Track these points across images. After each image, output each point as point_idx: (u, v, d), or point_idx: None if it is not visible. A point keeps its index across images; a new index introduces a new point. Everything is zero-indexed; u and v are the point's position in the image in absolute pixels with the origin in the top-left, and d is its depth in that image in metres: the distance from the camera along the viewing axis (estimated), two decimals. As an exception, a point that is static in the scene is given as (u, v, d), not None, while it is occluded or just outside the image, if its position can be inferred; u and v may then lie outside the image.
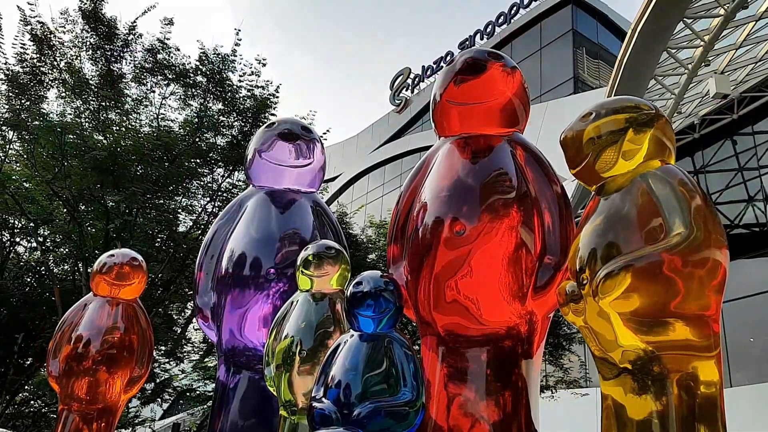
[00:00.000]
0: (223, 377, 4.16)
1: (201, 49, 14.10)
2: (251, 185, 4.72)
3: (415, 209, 3.82)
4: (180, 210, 14.98)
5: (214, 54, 13.93)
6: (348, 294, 3.14)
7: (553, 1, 30.22)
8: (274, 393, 3.52)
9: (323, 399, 2.99)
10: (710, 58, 17.59)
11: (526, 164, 3.78)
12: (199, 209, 15.18)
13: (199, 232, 15.06)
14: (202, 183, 15.13)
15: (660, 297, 2.79)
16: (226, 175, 15.09)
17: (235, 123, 14.75)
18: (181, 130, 14.11)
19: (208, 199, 14.99)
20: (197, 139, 13.99)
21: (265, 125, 4.68)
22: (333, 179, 39.99)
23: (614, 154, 3.21)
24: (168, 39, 14.16)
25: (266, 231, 4.31)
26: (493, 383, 3.46)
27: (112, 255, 4.66)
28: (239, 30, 14.36)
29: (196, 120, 14.04)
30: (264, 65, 14.58)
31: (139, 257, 4.70)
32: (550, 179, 3.76)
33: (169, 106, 14.55)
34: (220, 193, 14.85)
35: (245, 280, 4.12)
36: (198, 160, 14.51)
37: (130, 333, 4.45)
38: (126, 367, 4.43)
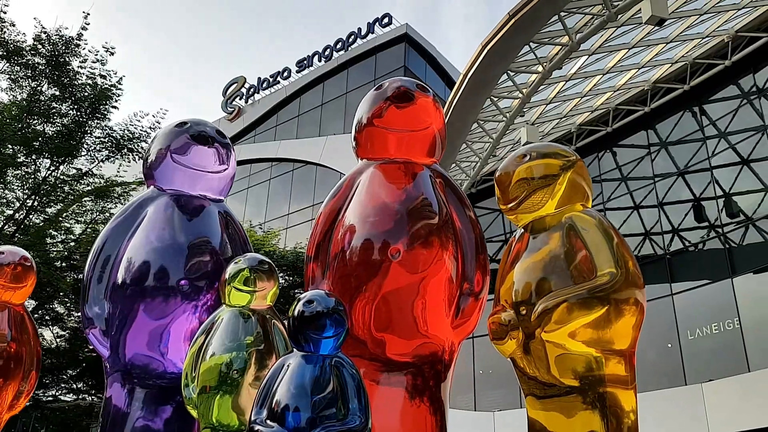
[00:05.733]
0: (118, 396, 3.69)
1: (39, 27, 12.64)
2: (152, 187, 4.34)
3: (341, 231, 3.79)
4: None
5: (56, 35, 12.52)
6: (296, 313, 3.00)
7: (387, 37, 31.39)
8: (195, 415, 3.25)
9: (268, 422, 2.83)
10: (525, 110, 19.69)
11: (445, 192, 3.96)
12: (17, 203, 13.44)
13: (14, 228, 13.34)
14: (20, 174, 13.45)
15: (591, 332, 3.07)
16: (53, 168, 13.57)
17: (70, 111, 13.38)
18: (6, 113, 12.46)
19: (30, 192, 13.34)
20: (24, 125, 12.45)
21: (175, 124, 4.34)
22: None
23: (545, 195, 3.48)
24: (5, 12, 12.47)
25: (173, 239, 3.98)
26: (417, 406, 3.54)
27: (1, 252, 4.00)
28: (88, 13, 13.07)
29: (26, 103, 12.50)
30: (112, 54, 13.42)
31: (29, 255, 4.06)
32: (465, 207, 3.97)
33: (-5, 85, 12.82)
34: (44, 187, 13.30)
35: (155, 292, 3.75)
36: (20, 147, 12.90)
37: (18, 342, 3.82)
38: (15, 379, 3.81)
